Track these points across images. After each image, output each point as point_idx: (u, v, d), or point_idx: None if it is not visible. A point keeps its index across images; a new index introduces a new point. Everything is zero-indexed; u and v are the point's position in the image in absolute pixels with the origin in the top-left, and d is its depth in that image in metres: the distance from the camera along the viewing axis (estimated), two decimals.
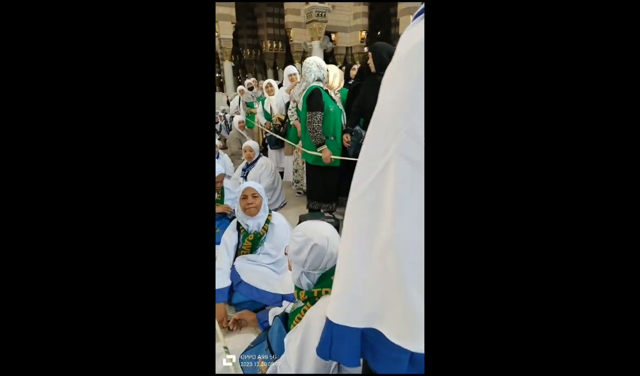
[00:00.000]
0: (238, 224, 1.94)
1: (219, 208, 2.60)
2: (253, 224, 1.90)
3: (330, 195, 3.06)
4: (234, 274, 1.84)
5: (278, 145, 4.10)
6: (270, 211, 1.97)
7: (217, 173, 2.56)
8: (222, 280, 1.82)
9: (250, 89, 5.73)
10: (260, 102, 4.48)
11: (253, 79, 6.11)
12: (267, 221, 1.93)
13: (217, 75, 18.57)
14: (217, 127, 6.91)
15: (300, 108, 3.18)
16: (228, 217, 2.61)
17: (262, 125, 4.59)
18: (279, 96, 4.10)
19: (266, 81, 4.32)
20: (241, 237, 1.92)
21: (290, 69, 3.84)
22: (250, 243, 1.91)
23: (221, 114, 7.22)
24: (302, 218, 2.90)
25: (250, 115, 5.56)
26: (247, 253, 1.93)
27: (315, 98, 2.87)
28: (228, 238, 1.92)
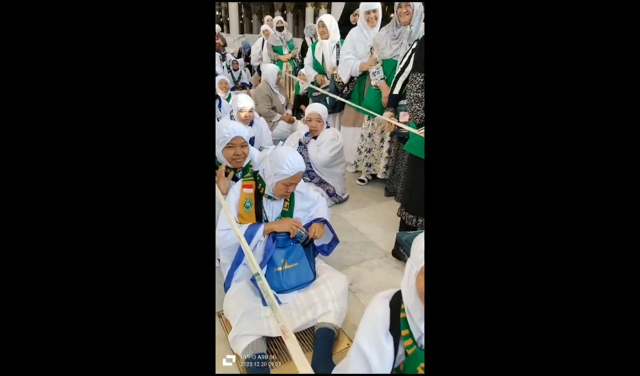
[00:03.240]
0: None
1: (282, 225, 1.53)
2: None
3: None
4: None
5: (335, 109, 2.96)
6: None
7: (296, 170, 1.44)
8: None
9: (280, 29, 4.46)
10: (311, 48, 3.24)
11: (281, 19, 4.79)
12: None
13: (217, 13, 16.72)
14: (235, 75, 5.59)
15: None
16: (294, 241, 1.54)
17: (299, 79, 3.41)
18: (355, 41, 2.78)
19: (320, 18, 3.07)
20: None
21: (370, 4, 2.57)
22: None
23: (233, 59, 5.88)
24: (402, 241, 1.85)
25: (278, 63, 4.38)
26: None
27: (419, 52, 1.76)
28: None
